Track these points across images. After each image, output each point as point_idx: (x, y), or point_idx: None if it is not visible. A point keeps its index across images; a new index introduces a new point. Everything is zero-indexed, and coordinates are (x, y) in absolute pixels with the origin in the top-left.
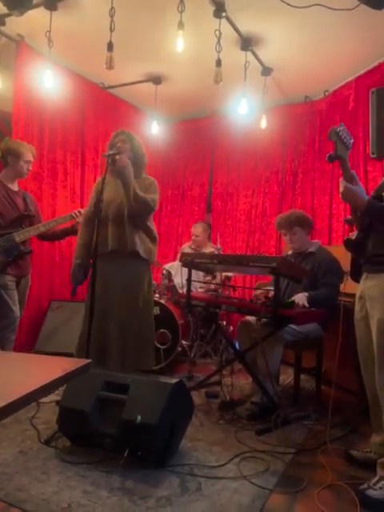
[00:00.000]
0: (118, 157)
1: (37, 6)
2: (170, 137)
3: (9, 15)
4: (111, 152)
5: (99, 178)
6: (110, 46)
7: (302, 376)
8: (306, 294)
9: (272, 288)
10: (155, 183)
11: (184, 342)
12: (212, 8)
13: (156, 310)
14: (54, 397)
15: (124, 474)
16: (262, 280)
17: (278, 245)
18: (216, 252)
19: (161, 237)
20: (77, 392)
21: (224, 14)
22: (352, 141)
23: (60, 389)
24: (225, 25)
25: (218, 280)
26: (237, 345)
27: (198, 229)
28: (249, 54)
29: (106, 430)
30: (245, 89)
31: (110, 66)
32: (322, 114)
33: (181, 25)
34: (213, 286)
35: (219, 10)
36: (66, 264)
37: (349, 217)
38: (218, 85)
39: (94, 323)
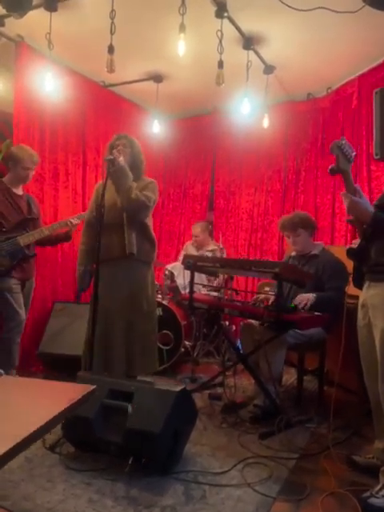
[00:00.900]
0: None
1: (36, 7)
2: (171, 135)
3: (8, 16)
4: (111, 157)
5: (99, 183)
6: (110, 49)
7: (305, 376)
8: (315, 294)
9: (273, 293)
10: (154, 183)
11: (187, 343)
12: (214, 8)
13: (158, 311)
14: None
15: (129, 482)
16: (265, 280)
17: (280, 244)
18: (218, 250)
19: (162, 235)
20: None
21: (226, 14)
22: (354, 154)
23: None
24: (226, 24)
25: (220, 279)
26: (239, 344)
27: (196, 229)
28: (251, 53)
29: (110, 438)
30: (247, 88)
31: (110, 69)
32: (325, 111)
33: (182, 28)
34: (215, 284)
35: (221, 10)
36: (69, 265)
37: (351, 217)
38: (220, 87)
39: (99, 327)
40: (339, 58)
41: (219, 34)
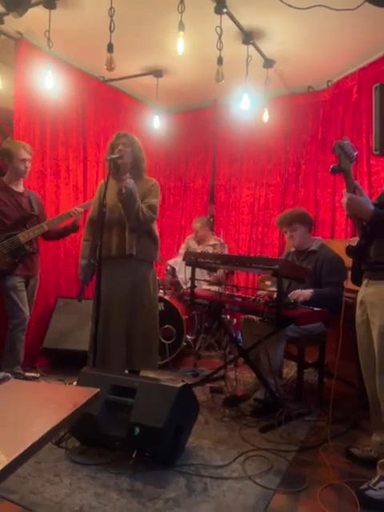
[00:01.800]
0: (125, 181)
1: (35, 4)
2: (171, 129)
3: (7, 14)
4: (113, 156)
5: (102, 181)
6: (109, 47)
7: (305, 369)
8: (312, 290)
9: (274, 289)
10: (156, 185)
11: (188, 337)
12: (213, 4)
13: (160, 306)
14: None
15: (133, 476)
16: (266, 275)
17: (281, 237)
18: (219, 245)
19: (164, 230)
20: None
21: (225, 10)
22: (356, 153)
23: None
24: (226, 19)
25: (219, 273)
26: (240, 337)
27: (196, 225)
28: (251, 47)
29: (114, 433)
30: (247, 82)
31: (110, 67)
32: (325, 104)
33: (181, 26)
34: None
35: (220, 6)
36: (71, 261)
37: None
38: (219, 83)
39: (101, 325)
40: (339, 51)
41: (219, 29)
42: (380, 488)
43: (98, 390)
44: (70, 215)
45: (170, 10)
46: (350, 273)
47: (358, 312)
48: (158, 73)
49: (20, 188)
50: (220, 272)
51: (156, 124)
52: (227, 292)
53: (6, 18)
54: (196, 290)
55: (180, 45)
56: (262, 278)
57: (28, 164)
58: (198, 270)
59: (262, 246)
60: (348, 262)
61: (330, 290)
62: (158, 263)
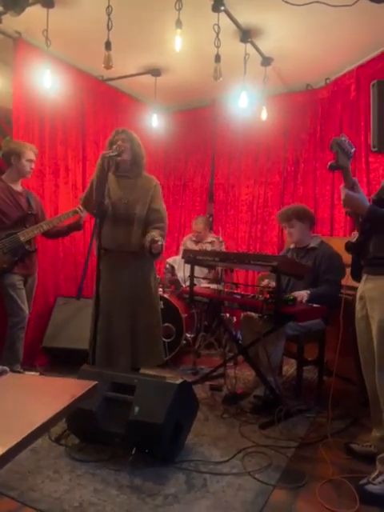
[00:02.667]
0: (156, 244)
1: (33, 3)
2: (170, 127)
3: (5, 13)
4: (112, 153)
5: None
6: (107, 46)
7: (305, 366)
8: (308, 291)
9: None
10: (159, 186)
11: (188, 335)
12: (210, 2)
13: (160, 304)
14: None
15: (132, 472)
16: (265, 272)
17: (280, 235)
18: (217, 242)
19: None
20: None
21: (222, 8)
22: (353, 150)
23: None
24: (223, 17)
25: (217, 270)
26: (239, 335)
27: (199, 225)
28: (248, 45)
29: (113, 430)
30: (245, 80)
31: (108, 65)
32: (323, 102)
33: (179, 23)
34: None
35: (217, 3)
36: (71, 260)
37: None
38: (217, 81)
39: (102, 321)
40: (337, 49)
41: (216, 27)
42: (379, 482)
43: (96, 382)
44: (75, 212)
45: (168, 9)
46: (348, 270)
47: (358, 307)
48: (156, 72)
49: (19, 187)
50: (217, 270)
51: (155, 123)
52: (226, 289)
53: (4, 17)
54: (195, 288)
55: (178, 42)
56: (261, 276)
57: (33, 165)
58: (197, 268)
59: (262, 244)
60: (347, 259)
61: (325, 288)
62: (157, 262)
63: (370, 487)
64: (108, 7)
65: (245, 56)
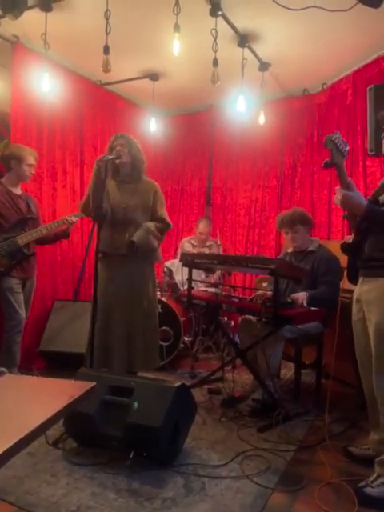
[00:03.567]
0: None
1: (32, 7)
2: (168, 131)
3: (3, 16)
4: (110, 156)
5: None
6: (105, 49)
7: (303, 370)
8: (307, 293)
9: (270, 290)
10: (160, 190)
11: (186, 339)
12: (208, 7)
13: (157, 309)
14: None
15: (130, 476)
16: (263, 275)
17: (277, 239)
18: (215, 246)
19: None
20: None
21: (220, 13)
22: (348, 148)
23: None
24: (221, 22)
25: (217, 274)
26: (237, 339)
27: (205, 228)
28: (246, 50)
29: (111, 433)
30: (242, 85)
31: (106, 69)
32: (320, 107)
33: (177, 28)
34: (213, 281)
35: (215, 8)
36: (68, 263)
37: (347, 212)
38: (215, 85)
39: (100, 324)
40: (334, 54)
41: (214, 32)
42: (377, 485)
43: (94, 383)
44: (64, 223)
45: (166, 13)
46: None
47: (355, 310)
48: (154, 76)
49: (18, 191)
50: (217, 273)
51: (153, 127)
52: (224, 293)
53: (3, 21)
54: (193, 292)
55: (176, 46)
56: (259, 280)
57: (33, 169)
58: (195, 272)
59: (259, 248)
60: (345, 261)
61: (323, 290)
62: (155, 265)
63: (368, 490)
64: (106, 11)
65: (242, 61)
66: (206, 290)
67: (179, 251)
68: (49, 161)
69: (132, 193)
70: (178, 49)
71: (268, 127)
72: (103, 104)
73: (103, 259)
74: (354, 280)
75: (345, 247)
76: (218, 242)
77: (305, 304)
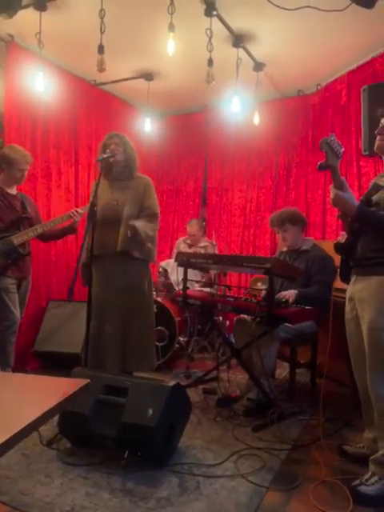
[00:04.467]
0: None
1: (26, 6)
2: (163, 131)
3: None
4: (104, 155)
5: (95, 182)
6: (100, 49)
7: (298, 369)
8: (296, 291)
9: (265, 288)
10: (151, 184)
11: (181, 339)
12: (203, 7)
13: (153, 309)
14: None
15: (124, 475)
16: (258, 275)
17: (272, 239)
18: (210, 246)
19: None
20: None
21: (215, 13)
22: (342, 150)
23: None
24: (216, 22)
25: (211, 273)
26: (232, 339)
27: (194, 227)
28: (241, 50)
29: (105, 433)
30: (237, 86)
31: (101, 68)
32: (315, 107)
33: (171, 27)
34: (206, 278)
35: (210, 8)
36: (63, 264)
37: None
38: (210, 85)
39: (94, 325)
40: (328, 55)
41: (209, 32)
42: (372, 483)
43: (88, 381)
44: (69, 217)
45: (160, 14)
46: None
47: (347, 308)
48: (148, 76)
49: (13, 191)
50: (211, 273)
51: (147, 127)
52: (219, 293)
53: None
54: (188, 291)
55: (170, 46)
56: (253, 280)
57: (25, 173)
58: (190, 272)
59: (254, 248)
60: (339, 261)
61: (315, 289)
62: (151, 265)
63: (363, 488)
64: (101, 11)
65: (237, 61)
66: (202, 290)
67: (174, 251)
68: (43, 160)
69: (123, 190)
70: (172, 49)
71: (263, 127)
72: (98, 104)
73: (96, 259)
74: (346, 279)
75: (338, 247)
76: (214, 243)
77: (290, 301)
